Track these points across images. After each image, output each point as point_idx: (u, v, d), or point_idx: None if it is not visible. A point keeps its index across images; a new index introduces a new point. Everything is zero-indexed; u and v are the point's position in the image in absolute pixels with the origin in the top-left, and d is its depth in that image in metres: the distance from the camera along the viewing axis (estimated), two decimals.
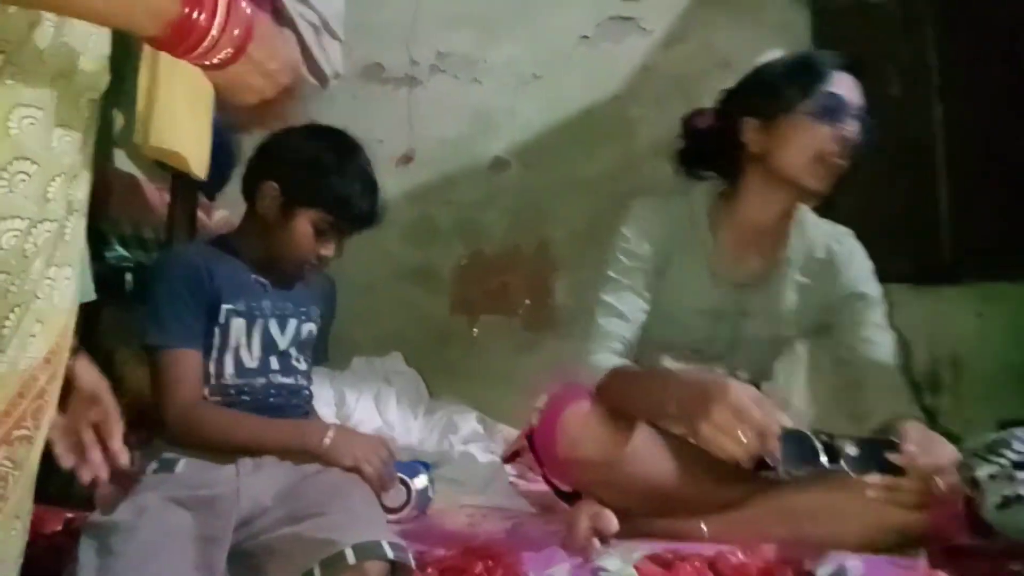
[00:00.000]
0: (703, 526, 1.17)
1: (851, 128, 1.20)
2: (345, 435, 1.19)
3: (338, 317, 1.44)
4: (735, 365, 1.33)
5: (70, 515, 1.29)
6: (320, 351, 1.36)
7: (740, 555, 1.09)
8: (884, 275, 2.19)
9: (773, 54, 2.28)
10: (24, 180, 0.69)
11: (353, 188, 1.21)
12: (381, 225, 2.53)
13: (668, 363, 1.30)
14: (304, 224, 1.21)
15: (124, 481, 1.21)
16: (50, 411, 0.79)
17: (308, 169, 1.21)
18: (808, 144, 1.21)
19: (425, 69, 2.58)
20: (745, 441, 1.00)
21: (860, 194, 2.26)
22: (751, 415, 1.01)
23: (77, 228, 0.79)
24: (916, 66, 2.29)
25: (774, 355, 1.42)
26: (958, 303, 2.21)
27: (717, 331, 1.31)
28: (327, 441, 1.16)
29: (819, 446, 1.06)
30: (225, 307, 1.20)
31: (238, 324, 1.20)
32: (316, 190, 1.20)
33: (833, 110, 1.21)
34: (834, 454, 1.07)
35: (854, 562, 1.07)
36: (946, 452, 1.12)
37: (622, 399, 1.19)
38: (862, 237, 2.22)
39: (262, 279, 1.25)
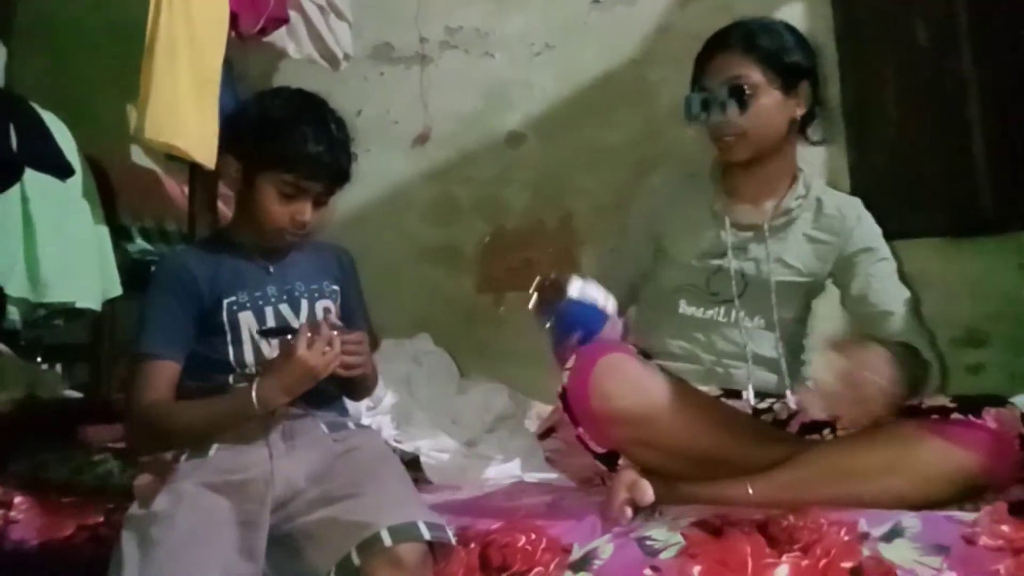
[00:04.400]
0: (749, 489, 1.13)
1: (715, 116, 1.35)
2: (269, 381, 1.11)
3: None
4: (749, 309, 1.40)
5: (110, 506, 1.29)
6: (358, 326, 1.26)
7: (791, 518, 1.05)
8: (922, 229, 2.15)
9: (790, 10, 2.23)
10: None
11: (308, 143, 1.15)
12: (401, 206, 2.55)
13: (684, 308, 1.42)
14: (267, 190, 1.16)
15: (160, 471, 1.21)
16: None
17: (257, 133, 1.17)
18: (708, 134, 1.39)
19: (435, 46, 2.54)
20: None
21: (893, 148, 2.23)
22: None
23: None
24: (943, 12, 2.21)
25: (790, 307, 1.43)
26: (999, 255, 2.14)
27: (722, 271, 1.40)
28: (255, 395, 1.09)
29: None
30: (227, 301, 1.17)
31: (246, 316, 1.18)
32: (268, 152, 1.16)
33: (693, 103, 1.37)
34: None
35: (911, 520, 1.03)
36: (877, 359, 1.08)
37: None
38: (897, 191, 2.19)
39: (263, 262, 1.22)
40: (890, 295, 1.37)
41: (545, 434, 1.82)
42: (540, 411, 1.96)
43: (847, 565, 1.00)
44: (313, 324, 1.13)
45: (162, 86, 1.53)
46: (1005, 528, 1.00)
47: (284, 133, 1.16)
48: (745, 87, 1.33)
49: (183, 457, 1.16)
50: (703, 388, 1.33)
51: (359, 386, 1.26)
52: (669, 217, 1.46)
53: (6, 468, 1.40)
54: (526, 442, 1.69)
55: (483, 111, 2.50)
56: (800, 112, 1.39)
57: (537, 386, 2.09)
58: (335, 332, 1.12)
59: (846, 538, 1.03)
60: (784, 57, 1.36)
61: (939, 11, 2.22)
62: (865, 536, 1.03)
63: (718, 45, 1.37)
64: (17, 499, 1.34)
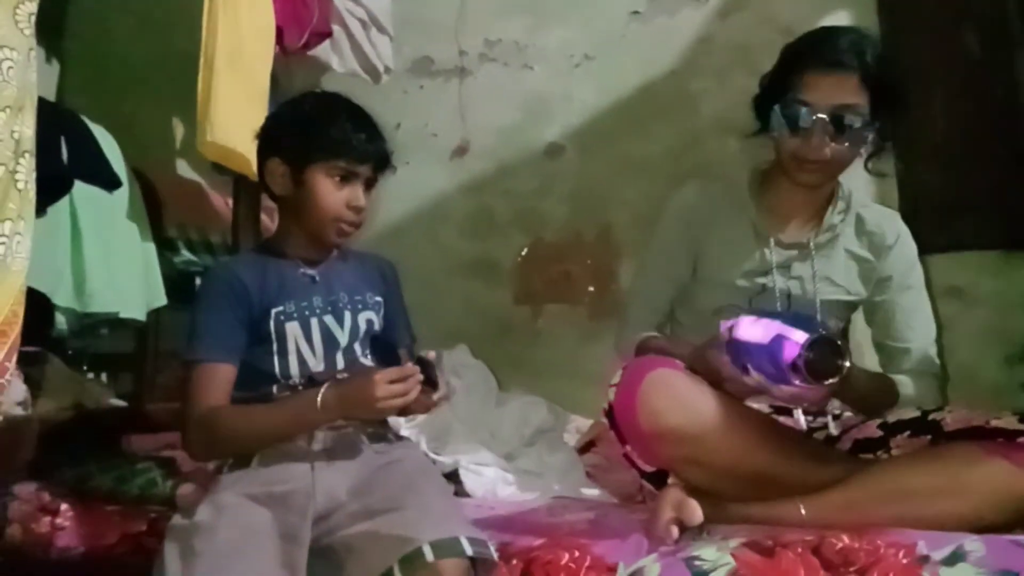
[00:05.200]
0: (801, 509, 1.09)
1: (818, 138, 1.25)
2: (335, 390, 1.10)
3: None
4: None
5: (153, 515, 1.30)
6: (402, 337, 1.29)
7: (846, 540, 1.01)
8: (974, 242, 2.09)
9: (835, 18, 2.19)
10: None
11: (346, 128, 1.20)
12: (439, 218, 2.55)
13: None
14: (319, 179, 1.19)
15: (203, 481, 1.21)
16: (12, 391, 0.71)
17: (298, 129, 1.21)
18: (784, 148, 1.31)
19: (475, 59, 2.55)
20: None
21: (944, 159, 2.17)
22: None
23: (29, 174, 0.69)
24: (996, 22, 2.15)
25: (834, 324, 1.38)
26: None
27: (767, 291, 1.35)
28: (320, 401, 1.09)
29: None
30: (275, 311, 1.18)
31: (292, 327, 1.18)
32: (316, 143, 1.20)
33: (794, 120, 1.27)
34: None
35: (974, 543, 0.99)
36: None
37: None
38: (949, 204, 2.13)
39: (310, 272, 1.23)
40: (911, 330, 1.35)
41: (585, 448, 1.80)
42: (579, 425, 1.94)
43: None
44: (414, 366, 1.11)
45: (224, 95, 1.56)
46: None
47: (328, 123, 1.20)
48: (857, 117, 1.24)
49: (225, 466, 1.16)
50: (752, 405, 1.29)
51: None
52: (708, 234, 1.39)
53: (52, 476, 1.42)
54: (566, 456, 1.66)
55: (522, 123, 2.50)
56: (873, 141, 1.31)
57: (575, 399, 2.07)
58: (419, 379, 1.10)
59: (904, 561, 0.99)
60: (887, 89, 1.26)
61: (990, 17, 2.16)
62: (925, 559, 0.99)
63: (830, 60, 1.25)
64: (63, 506, 1.36)
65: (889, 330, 1.37)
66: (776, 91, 1.30)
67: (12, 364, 0.70)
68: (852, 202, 1.39)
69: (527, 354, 2.38)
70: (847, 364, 1.04)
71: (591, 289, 2.44)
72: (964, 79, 2.18)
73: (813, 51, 1.28)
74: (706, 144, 2.27)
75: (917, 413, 1.21)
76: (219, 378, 1.15)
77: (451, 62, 2.56)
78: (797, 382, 1.03)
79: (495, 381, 2.10)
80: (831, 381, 1.03)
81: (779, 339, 1.05)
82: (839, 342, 1.05)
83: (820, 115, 1.24)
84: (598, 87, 2.44)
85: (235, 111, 1.63)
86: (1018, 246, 2.08)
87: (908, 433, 1.19)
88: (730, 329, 1.11)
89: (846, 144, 1.26)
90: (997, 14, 2.15)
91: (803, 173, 1.31)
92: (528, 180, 2.49)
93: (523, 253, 2.48)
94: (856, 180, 1.63)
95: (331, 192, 1.19)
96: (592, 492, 1.47)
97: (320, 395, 1.10)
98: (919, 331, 1.36)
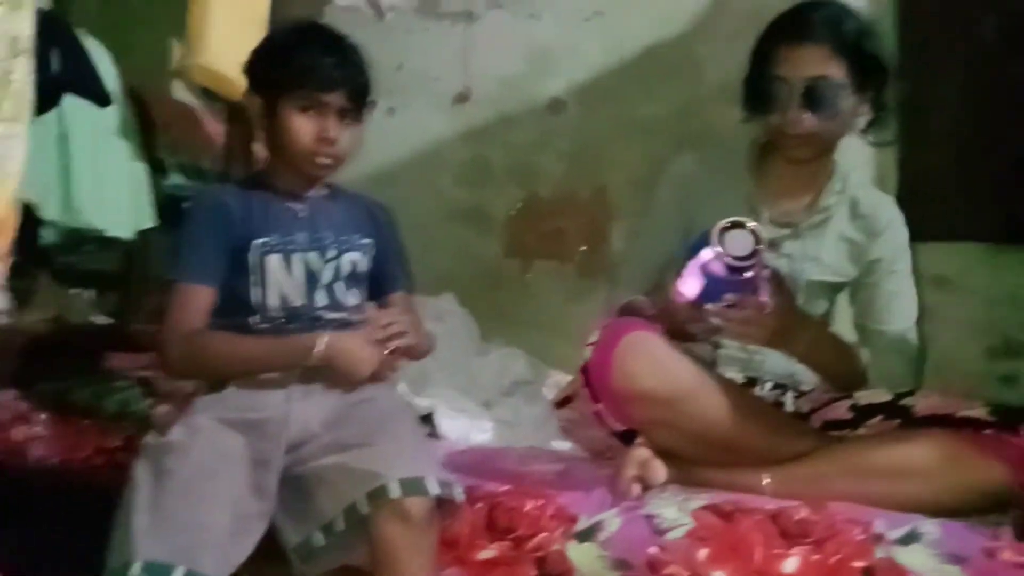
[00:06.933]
0: (765, 479, 1.11)
1: (792, 114, 1.25)
2: (339, 343, 1.14)
3: None
4: None
5: (129, 432, 1.32)
6: (396, 279, 1.33)
7: (805, 512, 1.04)
8: (968, 233, 2.09)
9: None
10: None
11: (317, 56, 1.17)
12: (435, 164, 2.52)
13: None
14: (289, 113, 1.16)
15: (180, 403, 1.22)
16: None
17: (268, 59, 1.20)
18: (768, 124, 1.31)
19: (482, 4, 2.49)
20: None
21: (947, 147, 2.15)
22: None
23: (25, 76, 0.68)
24: (1015, 10, 2.11)
25: (819, 304, 1.40)
26: None
27: None
28: (319, 351, 1.12)
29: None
30: (256, 242, 1.17)
31: (274, 259, 1.18)
32: (281, 73, 1.17)
33: (769, 95, 1.27)
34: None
35: (930, 526, 1.01)
36: None
37: None
38: (947, 192, 2.12)
39: (297, 207, 1.22)
40: (890, 313, 1.35)
41: (562, 403, 1.82)
42: (558, 380, 1.95)
43: (859, 564, 0.99)
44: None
45: (218, 18, 1.53)
46: None
47: (297, 51, 1.17)
48: (830, 88, 1.23)
49: (201, 391, 1.17)
50: (727, 373, 1.30)
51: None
52: (702, 205, 1.37)
53: (32, 386, 1.43)
54: (542, 409, 1.68)
55: (525, 75, 2.45)
56: (865, 112, 1.32)
57: (557, 355, 2.07)
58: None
59: (860, 537, 1.01)
60: (867, 56, 1.26)
61: (1010, 9, 2.13)
62: (880, 538, 1.01)
63: (801, 33, 1.25)
64: (42, 417, 1.37)
65: (870, 311, 1.37)
66: (756, 68, 1.31)
67: (4, 269, 0.70)
68: (848, 183, 1.37)
69: (514, 307, 2.38)
70: (755, 226, 1.08)
71: (582, 248, 2.44)
72: (979, 67, 2.14)
73: (785, 24, 1.29)
74: (708, 111, 2.24)
75: (889, 397, 1.23)
76: (197, 300, 1.15)
77: (458, 5, 2.50)
78: (745, 274, 1.08)
79: (477, 331, 2.12)
80: (761, 245, 1.08)
81: (704, 265, 1.10)
82: (736, 220, 1.09)
83: (793, 88, 1.24)
84: (605, 43, 2.38)
85: (228, 36, 1.60)
86: (1011, 240, 2.08)
87: (880, 417, 1.20)
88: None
89: (826, 116, 1.25)
90: (1017, 6, 2.11)
91: (790, 148, 1.31)
92: (527, 133, 2.46)
93: (517, 207, 2.46)
94: (855, 157, 1.63)
95: (300, 125, 1.16)
96: (564, 445, 1.49)
97: (316, 348, 1.12)
98: (899, 315, 1.36)
